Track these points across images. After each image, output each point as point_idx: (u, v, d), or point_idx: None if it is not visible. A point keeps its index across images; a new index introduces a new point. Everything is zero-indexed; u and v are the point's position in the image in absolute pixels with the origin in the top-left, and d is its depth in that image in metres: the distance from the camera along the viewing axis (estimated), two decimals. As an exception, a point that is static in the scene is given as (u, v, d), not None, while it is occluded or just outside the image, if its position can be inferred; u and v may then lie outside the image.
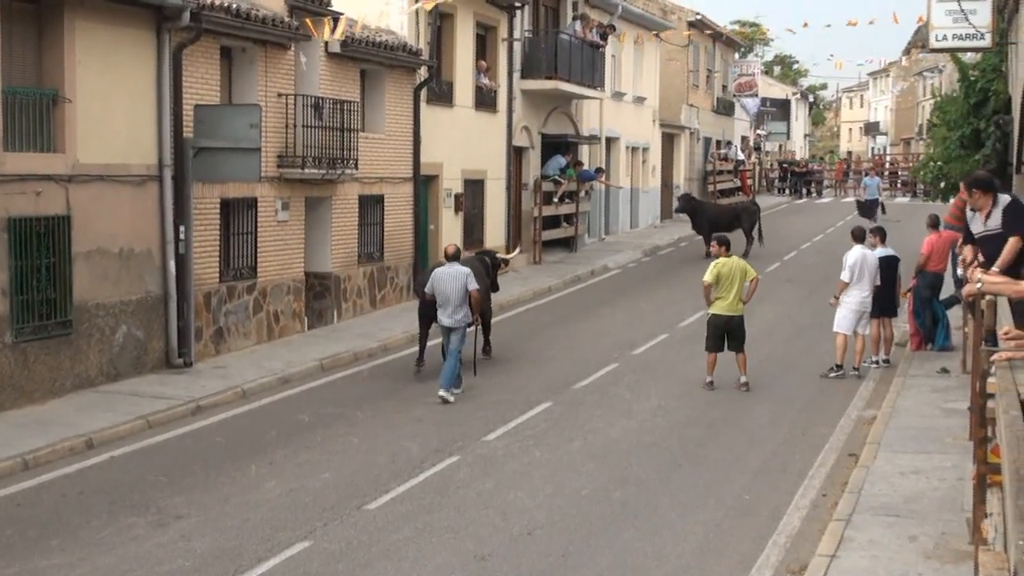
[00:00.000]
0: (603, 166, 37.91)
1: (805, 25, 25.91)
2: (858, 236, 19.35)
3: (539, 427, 15.59)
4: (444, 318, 17.60)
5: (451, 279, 17.56)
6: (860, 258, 18.84)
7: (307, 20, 21.11)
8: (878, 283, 19.05)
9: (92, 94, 16.98)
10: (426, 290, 17.92)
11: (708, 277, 18.01)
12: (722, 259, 18.10)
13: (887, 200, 62.25)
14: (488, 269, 20.41)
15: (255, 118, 18.49)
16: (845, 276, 18.80)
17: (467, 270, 17.78)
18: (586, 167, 36.50)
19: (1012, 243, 11.85)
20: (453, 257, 17.85)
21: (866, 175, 54.46)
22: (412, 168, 26.04)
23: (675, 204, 40.38)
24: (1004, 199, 12.36)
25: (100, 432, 14.85)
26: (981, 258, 11.88)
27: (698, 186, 53.28)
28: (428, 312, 18.64)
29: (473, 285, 17.63)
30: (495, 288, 21.00)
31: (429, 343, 19.42)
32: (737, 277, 17.94)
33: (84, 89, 16.82)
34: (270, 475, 13.32)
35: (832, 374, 18.69)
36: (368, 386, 18.38)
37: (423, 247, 26.85)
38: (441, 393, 17.04)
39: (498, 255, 21.96)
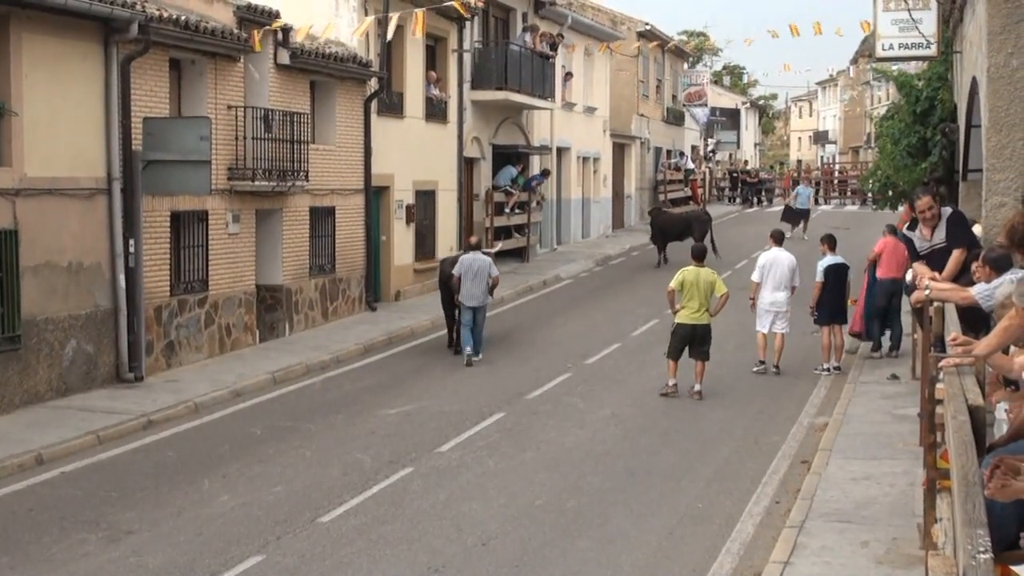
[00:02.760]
0: (548, 168, 37.83)
1: (748, 42, 26.21)
2: (776, 238, 20.26)
3: (492, 437, 15.60)
4: (468, 298, 21.00)
5: (477, 263, 21.23)
6: (771, 260, 19.80)
7: (255, 32, 21.06)
8: (796, 284, 19.74)
9: (39, 107, 16.86)
10: (454, 271, 21.29)
11: (673, 283, 18.06)
12: (690, 267, 18.17)
13: (836, 208, 62.82)
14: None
15: (205, 130, 18.41)
16: (755, 276, 19.93)
17: (488, 259, 21.55)
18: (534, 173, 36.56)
19: (957, 255, 12.00)
20: (475, 247, 21.89)
21: (799, 183, 54.84)
22: (363, 179, 26.01)
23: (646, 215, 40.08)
24: (946, 212, 12.49)
25: (50, 448, 14.72)
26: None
27: (649, 196, 53.49)
28: (448, 298, 22.01)
29: (495, 271, 21.45)
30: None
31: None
32: (703, 288, 17.95)
33: (31, 102, 16.70)
34: (223, 489, 13.25)
35: (755, 368, 19.70)
36: (321, 399, 18.32)
37: (375, 258, 26.82)
38: (473, 358, 20.72)
39: (485, 249, 24.00)
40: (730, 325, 23.13)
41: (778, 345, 19.76)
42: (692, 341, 18.01)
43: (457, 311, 21.70)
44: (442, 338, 23.63)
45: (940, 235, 12.49)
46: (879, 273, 20.00)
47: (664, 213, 37.87)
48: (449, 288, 21.87)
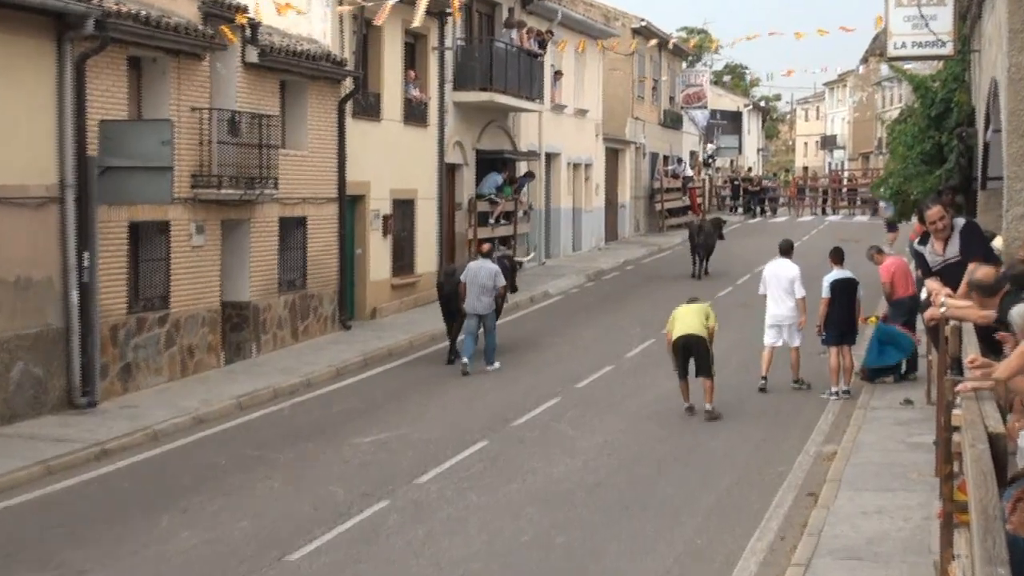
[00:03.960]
0: (533, 171, 37.81)
1: (751, 38, 26.19)
2: (783, 249, 20.81)
3: (475, 468, 15.54)
4: (474, 304, 22.04)
5: (483, 271, 22.31)
6: (771, 272, 20.40)
7: (223, 28, 21.03)
8: (802, 295, 19.99)
9: (-14, 110, 16.80)
10: (462, 278, 22.40)
11: (668, 326, 18.44)
12: (682, 307, 18.63)
13: (845, 219, 62.96)
14: (508, 271, 24.52)
15: (167, 134, 18.36)
16: (760, 290, 20.63)
17: (496, 267, 22.62)
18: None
19: (972, 269, 11.89)
20: (486, 255, 23.19)
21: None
22: (337, 187, 25.98)
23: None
24: (959, 223, 12.44)
25: (-4, 479, 14.64)
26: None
27: (645, 205, 53.59)
28: (449, 306, 23.06)
29: (502, 282, 22.58)
30: (514, 288, 25.43)
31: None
32: (695, 314, 18.35)
33: (-23, 104, 16.64)
34: (183, 524, 13.17)
35: (759, 386, 20.10)
36: (290, 425, 18.26)
37: (349, 273, 26.78)
38: (464, 361, 21.73)
39: (515, 258, 26.59)
40: (732, 343, 23.15)
41: (792, 360, 20.25)
42: (691, 355, 18.09)
43: (458, 321, 22.76)
44: (423, 359, 23.65)
45: (953, 248, 12.43)
46: (896, 294, 20.06)
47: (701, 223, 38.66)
48: (448, 297, 22.87)
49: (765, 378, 20.17)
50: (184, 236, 21.15)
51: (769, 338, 20.36)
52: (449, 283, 23.38)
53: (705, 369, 18.16)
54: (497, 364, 22.36)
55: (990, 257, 12.45)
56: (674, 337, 18.14)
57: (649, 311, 29.20)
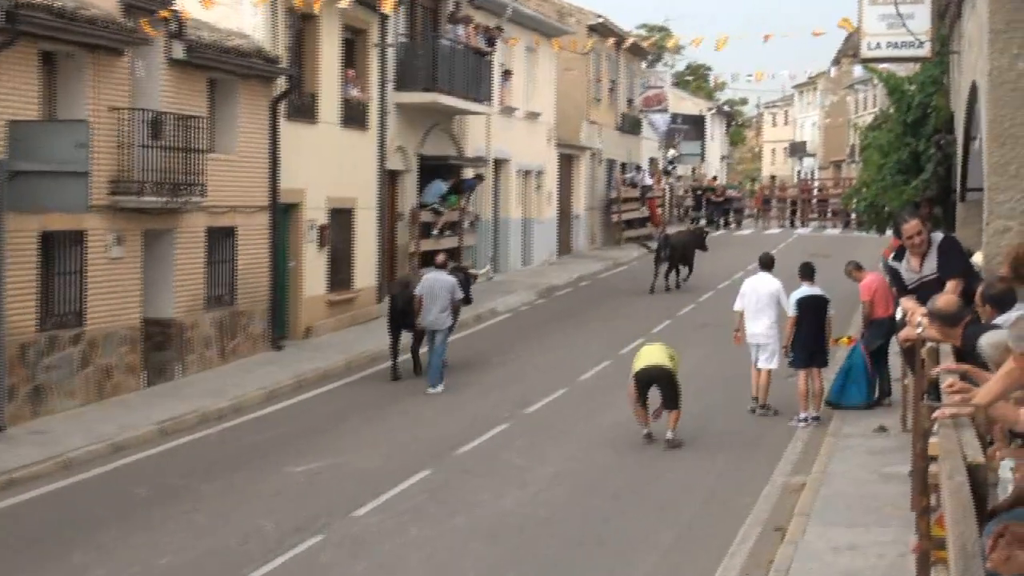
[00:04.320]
0: (483, 174, 37.87)
1: (721, 43, 26.17)
2: (763, 262, 21.24)
3: (416, 500, 15.54)
4: (429, 320, 22.65)
5: (440, 285, 22.90)
6: (751, 286, 20.73)
7: (144, 21, 20.93)
8: (792, 313, 19.89)
9: None
10: (416, 291, 22.96)
11: (631, 377, 18.36)
12: (644, 347, 18.82)
13: (815, 232, 63.28)
14: (463, 283, 24.66)
15: (83, 136, 18.27)
16: (736, 305, 20.87)
17: (453, 280, 23.29)
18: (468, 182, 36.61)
19: (951, 287, 11.98)
20: (441, 266, 23.77)
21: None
22: (269, 195, 25.91)
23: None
24: (937, 238, 12.50)
25: None
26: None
27: (600, 216, 53.68)
28: (398, 320, 23.46)
29: (460, 294, 23.28)
30: (468, 301, 25.36)
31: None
32: (658, 349, 18.47)
33: None
34: (97, 562, 13.08)
35: (748, 407, 20.42)
36: (217, 453, 18.18)
37: (282, 288, 26.70)
38: (430, 391, 22.04)
39: (470, 270, 27.45)
40: (693, 366, 23.19)
41: (761, 382, 20.41)
42: (652, 385, 18.13)
43: (413, 337, 23.55)
44: (362, 381, 23.61)
45: (931, 264, 12.52)
46: (876, 313, 20.01)
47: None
48: (401, 312, 23.29)
49: (756, 399, 20.41)
50: (101, 247, 21.02)
51: (753, 357, 20.57)
52: (403, 296, 23.62)
53: (672, 400, 18.19)
54: (441, 387, 22.46)
55: (970, 274, 12.55)
56: (639, 368, 18.11)
57: (605, 330, 29.28)
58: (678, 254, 37.14)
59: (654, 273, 36.68)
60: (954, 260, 12.43)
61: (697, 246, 38.49)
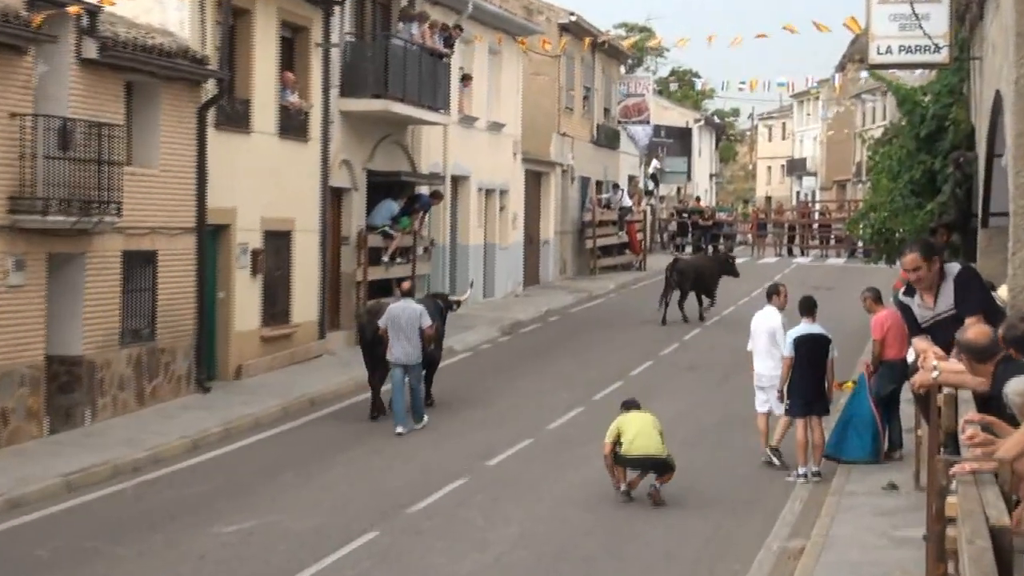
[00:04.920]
0: (441, 189, 37.92)
1: (710, 40, 26.28)
2: (771, 295, 21.27)
3: (362, 565, 15.49)
4: (398, 355, 23.19)
5: (406, 315, 23.41)
6: (755, 323, 20.91)
7: (48, 15, 20.86)
8: (788, 354, 19.84)
9: None
10: (380, 323, 23.50)
11: (608, 437, 18.26)
12: (629, 414, 18.54)
13: (816, 261, 63.53)
14: (441, 312, 25.83)
15: (-20, 147, 18.20)
16: (749, 344, 20.99)
17: (420, 307, 23.78)
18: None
19: (971, 323, 11.94)
20: (407, 294, 24.21)
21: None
22: (195, 215, 25.85)
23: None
24: (953, 269, 12.47)
25: None
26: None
27: (573, 241, 53.72)
28: (374, 353, 24.11)
29: (427, 321, 23.51)
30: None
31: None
32: (650, 425, 18.28)
33: None
34: (-5, 634, 12.99)
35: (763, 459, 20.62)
36: (133, 511, 18.08)
37: (209, 321, 26.60)
38: (402, 428, 22.74)
39: (450, 297, 28.22)
40: (677, 413, 23.25)
41: (759, 427, 20.69)
42: (645, 469, 18.27)
43: (381, 370, 24.15)
44: (301, 429, 23.56)
45: (946, 300, 12.47)
46: (888, 354, 20.02)
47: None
48: (372, 342, 24.13)
49: (770, 448, 20.53)
50: None
51: (758, 402, 20.73)
52: (371, 325, 24.19)
53: (667, 477, 18.33)
54: (425, 421, 23.55)
55: (992, 311, 12.50)
56: (629, 452, 18.07)
57: (577, 373, 29.29)
58: (689, 280, 37.77)
59: (662, 302, 37.06)
60: (973, 295, 12.34)
61: (723, 272, 39.36)
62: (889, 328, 19.97)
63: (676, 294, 37.54)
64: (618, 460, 18.15)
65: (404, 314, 23.53)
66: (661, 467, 18.19)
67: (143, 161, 24.59)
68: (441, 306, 26.32)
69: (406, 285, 25.05)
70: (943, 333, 12.21)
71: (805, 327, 19.99)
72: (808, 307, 20.34)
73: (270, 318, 29.07)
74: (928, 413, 12.76)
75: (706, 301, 38.50)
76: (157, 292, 24.92)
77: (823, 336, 19.99)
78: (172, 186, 25.24)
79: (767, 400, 20.52)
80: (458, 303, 28.07)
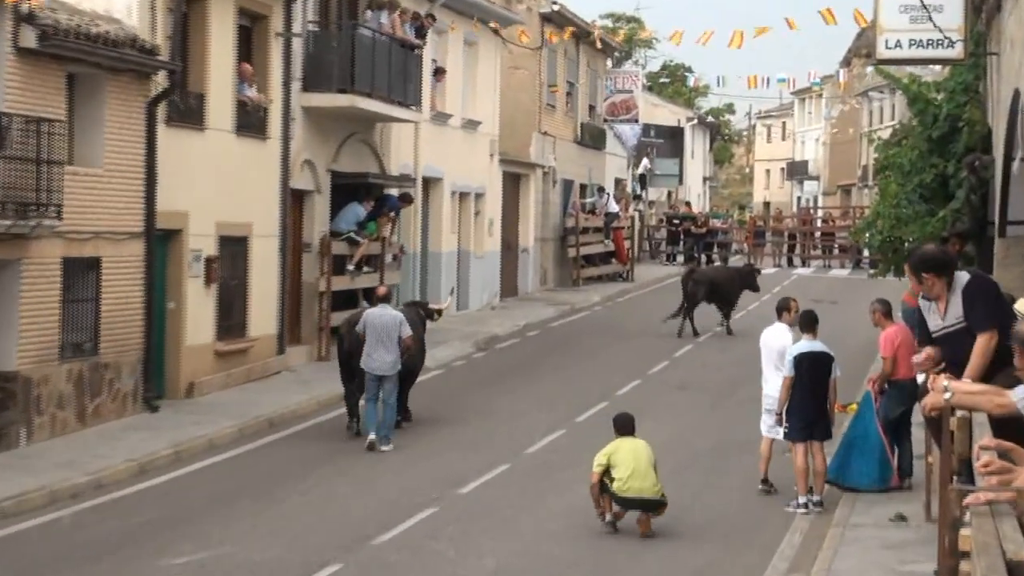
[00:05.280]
0: (411, 191, 37.87)
1: (706, 37, 26.32)
2: (781, 311, 21.15)
3: (324, 600, 15.47)
4: (373, 366, 23.58)
5: (384, 322, 23.78)
6: (762, 341, 20.96)
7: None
8: (787, 373, 19.77)
9: None
10: (358, 329, 23.95)
11: (596, 466, 18.15)
12: (623, 439, 18.42)
13: (818, 272, 63.63)
14: (422, 321, 26.42)
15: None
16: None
17: (400, 315, 24.35)
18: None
19: (982, 342, 11.92)
20: (384, 299, 24.73)
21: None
22: (144, 219, 25.80)
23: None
24: (962, 279, 12.44)
25: None
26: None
27: (554, 250, 53.72)
28: (351, 363, 24.44)
29: (407, 331, 23.89)
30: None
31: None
32: (644, 459, 18.14)
33: None
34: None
35: (759, 487, 20.58)
36: (73, 541, 18.02)
37: (158, 335, 26.55)
38: (371, 438, 23.19)
39: (430, 305, 28.80)
40: (667, 438, 23.24)
41: (762, 452, 20.69)
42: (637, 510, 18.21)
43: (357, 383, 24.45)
44: (259, 451, 23.49)
45: (955, 311, 12.43)
46: (898, 374, 20.00)
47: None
48: (350, 352, 24.53)
49: (765, 480, 20.52)
50: (-69, 281, 20.90)
51: (764, 427, 20.69)
52: (351, 336, 24.61)
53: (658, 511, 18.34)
54: (391, 446, 23.47)
55: (1009, 325, 12.42)
56: (622, 491, 18.00)
57: (558, 392, 29.30)
58: (703, 290, 38.23)
59: (679, 313, 37.76)
60: (981, 308, 12.24)
61: (744, 285, 39.77)
62: (900, 345, 19.97)
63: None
64: (605, 490, 18.13)
65: (381, 321, 23.90)
66: (654, 507, 18.18)
67: (86, 160, 24.53)
68: (422, 315, 26.86)
69: (382, 290, 25.73)
70: (952, 346, 12.23)
71: (806, 344, 19.98)
72: (809, 322, 20.34)
73: (225, 331, 29.01)
74: (940, 438, 12.70)
75: (721, 315, 39.01)
76: (101, 302, 24.85)
77: (825, 354, 19.97)
78: (118, 187, 25.18)
79: (774, 424, 20.40)
80: (438, 312, 28.32)
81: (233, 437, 24.44)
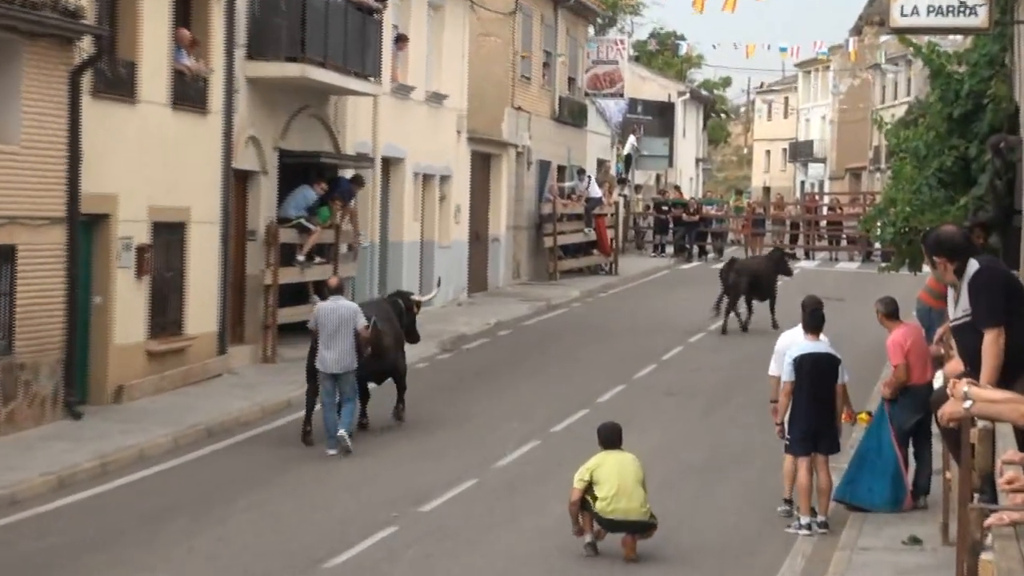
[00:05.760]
0: (363, 174, 37.77)
1: (699, 5, 26.18)
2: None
3: (267, 632, 15.45)
4: (329, 363, 24.13)
5: (337, 315, 24.38)
6: (783, 346, 20.66)
7: None
8: (788, 378, 19.81)
9: None
10: (309, 325, 24.81)
11: (578, 481, 18.12)
12: (608, 452, 18.38)
13: (823, 265, 63.70)
14: (401, 313, 27.21)
15: None
16: (772, 368, 20.85)
17: (355, 306, 25.18)
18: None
19: (988, 343, 11.93)
20: (336, 291, 25.35)
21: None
22: (66, 202, 25.73)
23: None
24: (971, 268, 12.46)
25: None
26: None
27: (529, 239, 53.68)
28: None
29: (362, 322, 24.39)
30: (414, 337, 28.11)
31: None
32: (631, 475, 18.10)
33: None
34: None
35: (779, 509, 20.29)
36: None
37: (82, 332, 26.49)
38: (341, 432, 23.71)
39: (412, 296, 29.34)
40: (656, 450, 23.24)
41: (786, 471, 20.23)
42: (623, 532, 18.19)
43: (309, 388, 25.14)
44: (193, 465, 23.47)
45: (964, 302, 12.53)
46: (912, 379, 19.97)
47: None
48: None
49: (789, 501, 20.23)
50: None
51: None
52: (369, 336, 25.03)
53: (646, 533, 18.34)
54: (346, 444, 23.94)
55: (1013, 322, 12.37)
56: (606, 512, 17.97)
57: (533, 398, 29.31)
58: (745, 282, 38.80)
59: (717, 308, 38.49)
60: (985, 303, 12.23)
61: (779, 271, 40.62)
62: (910, 348, 19.95)
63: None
64: (586, 507, 18.08)
65: (335, 314, 24.46)
66: (643, 529, 18.16)
67: (0, 136, 24.46)
68: (402, 306, 27.67)
69: (334, 281, 26.56)
70: (962, 339, 12.45)
71: (808, 344, 19.92)
72: (815, 322, 20.29)
73: (158, 329, 28.94)
74: (958, 452, 12.67)
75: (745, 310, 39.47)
76: (15, 296, 24.77)
77: (830, 355, 19.95)
78: (37, 167, 25.12)
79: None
80: (418, 305, 28.87)
81: (167, 448, 24.36)
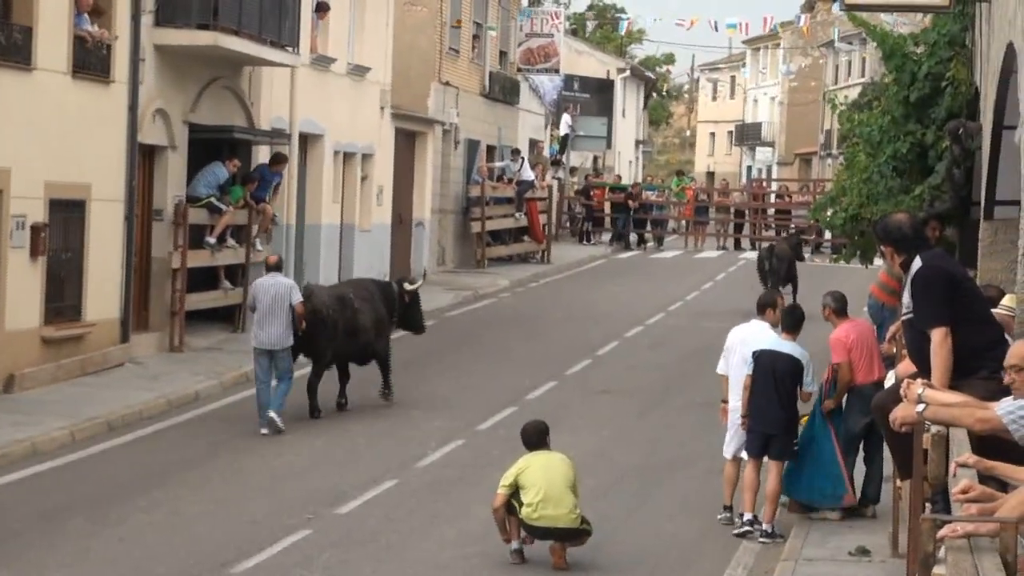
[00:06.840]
0: (283, 153, 37.68)
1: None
2: (762, 307, 20.76)
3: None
4: (263, 339, 25.29)
5: (273, 292, 25.36)
6: (738, 339, 20.55)
7: None
8: (747, 374, 19.86)
9: None
10: (248, 305, 26.27)
11: (502, 487, 18.09)
12: (535, 454, 18.34)
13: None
14: (393, 299, 28.43)
15: None
16: (720, 367, 20.95)
17: (291, 282, 26.21)
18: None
19: (935, 345, 11.99)
20: (275, 268, 26.20)
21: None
22: (-46, 178, 25.66)
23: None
24: (916, 264, 12.55)
25: None
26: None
27: (455, 224, 53.63)
28: (310, 344, 26.29)
29: (297, 297, 25.42)
30: (414, 327, 29.72)
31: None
32: (560, 479, 18.07)
33: None
34: None
35: (719, 517, 20.29)
36: None
37: (-29, 317, 26.41)
38: (271, 414, 24.75)
39: (404, 283, 29.78)
40: (588, 453, 23.28)
41: (727, 476, 20.43)
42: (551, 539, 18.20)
43: (313, 368, 26.84)
44: (91, 460, 23.39)
45: (907, 297, 12.67)
46: (858, 378, 20.02)
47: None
48: (307, 333, 26.08)
49: (729, 507, 20.24)
50: None
51: (731, 445, 20.45)
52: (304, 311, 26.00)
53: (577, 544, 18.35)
54: (279, 422, 24.97)
55: (967, 321, 12.41)
56: (532, 519, 17.95)
57: (457, 394, 29.31)
58: (784, 268, 40.00)
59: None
60: (925, 303, 12.23)
61: (797, 257, 41.74)
62: (853, 345, 19.97)
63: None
64: (512, 512, 18.08)
65: (272, 291, 25.56)
66: (572, 536, 18.19)
67: None
68: (394, 291, 28.92)
69: (273, 259, 27.13)
70: (908, 335, 12.59)
71: (775, 341, 19.83)
72: (793, 322, 20.14)
73: (55, 314, 28.81)
74: (908, 459, 12.73)
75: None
76: (-98, 277, 24.68)
77: (792, 358, 19.86)
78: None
79: (742, 443, 20.22)
80: (409, 293, 29.33)
81: (63, 442, 24.25)
